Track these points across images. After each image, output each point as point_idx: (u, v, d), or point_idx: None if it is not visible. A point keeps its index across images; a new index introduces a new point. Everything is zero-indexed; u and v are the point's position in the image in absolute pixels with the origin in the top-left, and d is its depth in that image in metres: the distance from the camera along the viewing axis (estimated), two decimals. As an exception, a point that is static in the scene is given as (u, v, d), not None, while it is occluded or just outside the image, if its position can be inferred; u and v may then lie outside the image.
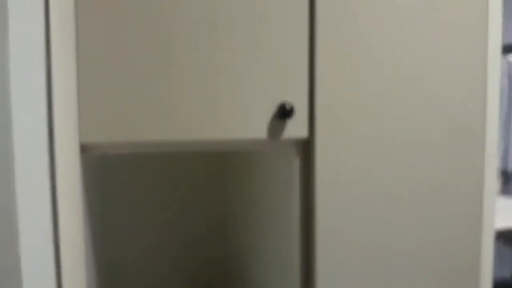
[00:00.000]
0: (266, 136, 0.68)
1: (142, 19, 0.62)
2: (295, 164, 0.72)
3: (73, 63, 0.59)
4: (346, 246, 0.72)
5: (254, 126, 0.67)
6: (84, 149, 0.63)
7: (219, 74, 0.65)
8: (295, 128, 0.69)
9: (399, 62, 0.72)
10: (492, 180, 0.80)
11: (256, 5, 0.66)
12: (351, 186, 0.72)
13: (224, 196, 1.24)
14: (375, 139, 0.72)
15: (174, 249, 1.24)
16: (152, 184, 1.20)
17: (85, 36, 0.60)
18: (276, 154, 0.79)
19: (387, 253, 0.75)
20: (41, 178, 0.54)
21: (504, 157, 4.34)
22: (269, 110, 0.68)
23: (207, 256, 1.25)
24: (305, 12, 0.68)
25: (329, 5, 0.68)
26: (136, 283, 1.17)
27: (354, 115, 0.71)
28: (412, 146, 0.74)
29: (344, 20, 0.69)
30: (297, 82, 0.68)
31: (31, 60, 0.52)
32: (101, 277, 0.87)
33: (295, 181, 0.73)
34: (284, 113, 0.67)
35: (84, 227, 0.66)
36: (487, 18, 0.76)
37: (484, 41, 0.75)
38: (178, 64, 0.63)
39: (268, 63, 0.67)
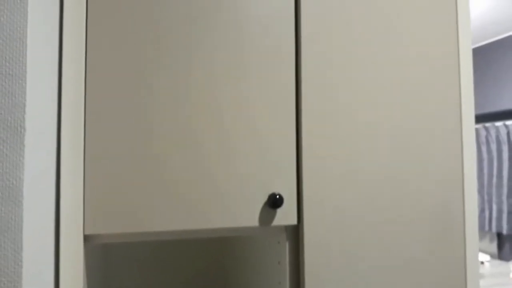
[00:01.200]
0: (258, 223, 0.73)
1: (138, 115, 0.69)
2: (286, 247, 0.77)
3: (80, 157, 0.65)
4: None
5: (248, 215, 0.72)
6: (88, 239, 0.67)
7: (218, 167, 0.71)
8: (285, 216, 0.74)
9: (380, 152, 0.79)
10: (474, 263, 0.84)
11: (250, 115, 0.73)
12: (339, 268, 0.76)
13: (223, 280, 1.27)
14: (361, 220, 0.77)
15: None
16: (153, 269, 1.22)
17: (91, 125, 0.66)
18: (269, 239, 0.84)
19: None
20: (47, 271, 0.58)
21: (498, 220, 4.36)
22: (261, 200, 0.73)
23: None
24: (292, 117, 0.76)
25: (313, 99, 0.76)
26: None
27: (340, 203, 0.77)
28: (395, 225, 0.79)
29: (329, 118, 0.77)
30: (286, 175, 0.74)
31: (42, 154, 0.58)
32: None
33: (286, 264, 0.77)
34: (274, 202, 0.72)
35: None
36: (460, 90, 0.83)
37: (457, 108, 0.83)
38: (176, 159, 0.69)
39: (260, 159, 0.73)
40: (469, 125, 0.85)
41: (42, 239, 0.57)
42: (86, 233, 0.65)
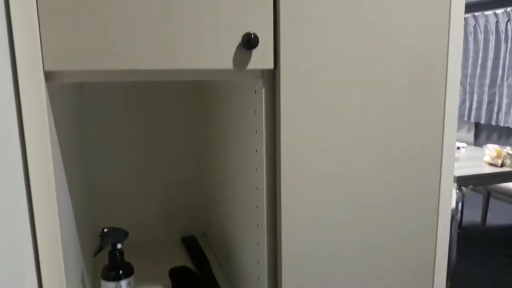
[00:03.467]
0: (233, 66, 0.69)
1: None
2: (262, 95, 0.74)
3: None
4: (309, 176, 0.76)
5: (222, 56, 0.68)
6: (50, 77, 0.63)
7: (185, 4, 0.65)
8: (261, 59, 0.71)
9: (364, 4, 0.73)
10: (452, 133, 0.84)
11: None
12: (314, 117, 0.74)
13: (199, 126, 1.26)
14: (339, 72, 0.74)
15: (148, 172, 1.26)
16: (130, 114, 1.20)
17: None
18: (246, 89, 0.81)
19: (348, 181, 0.79)
20: (7, 107, 0.55)
21: (478, 110, 4.44)
22: (235, 40, 0.68)
23: (181, 174, 1.28)
24: None
25: None
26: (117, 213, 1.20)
27: (318, 48, 0.73)
28: (376, 90, 0.77)
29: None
30: (262, 14, 0.69)
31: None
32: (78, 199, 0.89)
33: (263, 112, 0.75)
34: (249, 42, 0.68)
35: (56, 156, 0.68)
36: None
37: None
38: (141, -8, 0.63)
39: (232, -8, 0.67)
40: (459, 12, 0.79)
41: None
42: (46, 69, 0.60)
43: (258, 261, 0.83)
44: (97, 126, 1.18)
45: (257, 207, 0.81)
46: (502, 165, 2.81)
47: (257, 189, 0.80)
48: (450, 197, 0.87)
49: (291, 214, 0.76)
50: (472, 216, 3.88)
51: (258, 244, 0.82)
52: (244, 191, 0.89)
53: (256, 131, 0.78)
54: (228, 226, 1.04)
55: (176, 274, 1.04)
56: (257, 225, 0.82)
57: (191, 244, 1.25)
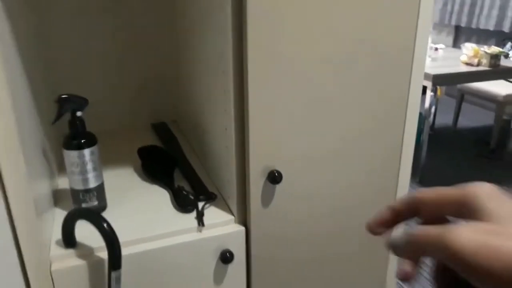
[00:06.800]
0: None
1: None
2: None
3: None
4: (277, 59, 0.71)
5: None
6: None
7: None
8: None
9: None
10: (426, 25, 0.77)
11: None
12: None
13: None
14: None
15: (119, 58, 1.19)
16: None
17: None
18: None
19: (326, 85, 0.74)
20: None
21: (459, 13, 4.34)
22: None
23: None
24: None
25: None
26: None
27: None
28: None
29: None
30: None
31: None
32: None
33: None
34: None
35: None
36: None
37: None
38: None
39: None
40: None
41: None
42: None
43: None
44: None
45: (224, 91, 0.77)
46: (478, 64, 2.81)
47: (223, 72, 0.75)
48: (419, 93, 0.84)
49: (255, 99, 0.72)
50: (445, 120, 3.96)
51: (225, 111, 0.79)
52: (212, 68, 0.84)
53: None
54: (198, 110, 1.01)
55: (145, 152, 1.03)
56: (225, 110, 0.78)
57: (161, 129, 1.22)
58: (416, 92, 0.84)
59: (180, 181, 0.95)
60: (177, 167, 1.00)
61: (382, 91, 0.81)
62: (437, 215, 0.31)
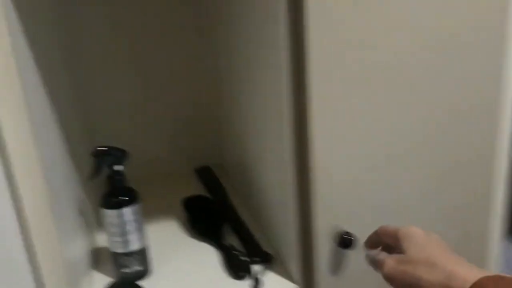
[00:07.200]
0: None
1: None
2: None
3: None
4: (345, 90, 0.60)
5: None
6: None
7: None
8: None
9: None
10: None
11: None
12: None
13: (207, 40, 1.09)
14: None
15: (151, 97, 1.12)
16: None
17: None
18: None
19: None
20: None
21: None
22: None
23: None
24: None
25: None
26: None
27: None
28: None
29: None
30: None
31: None
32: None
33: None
34: None
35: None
36: None
37: None
38: None
39: None
40: None
41: None
42: None
43: (284, 184, 0.69)
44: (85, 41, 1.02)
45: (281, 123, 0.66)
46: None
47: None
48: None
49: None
50: None
51: (282, 163, 0.68)
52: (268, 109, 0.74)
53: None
54: (248, 153, 0.90)
55: (191, 203, 0.92)
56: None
57: (206, 175, 1.12)
58: None
59: (229, 237, 0.84)
60: (227, 221, 0.88)
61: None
62: (387, 242, 0.52)
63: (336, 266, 0.67)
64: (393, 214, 0.68)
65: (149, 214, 0.92)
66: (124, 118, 1.09)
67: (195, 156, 1.18)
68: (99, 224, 0.88)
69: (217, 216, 0.89)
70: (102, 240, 0.85)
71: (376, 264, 0.49)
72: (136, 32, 1.04)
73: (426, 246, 0.45)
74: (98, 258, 0.80)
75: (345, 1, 0.56)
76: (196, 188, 1.06)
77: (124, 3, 1.01)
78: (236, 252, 0.77)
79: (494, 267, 0.76)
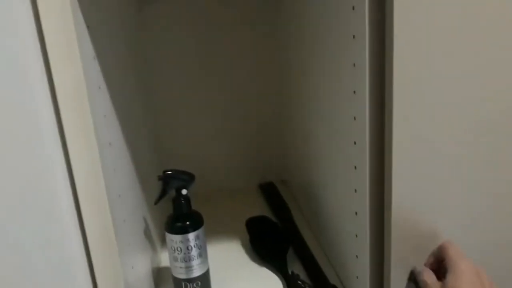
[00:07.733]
0: None
1: None
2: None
3: None
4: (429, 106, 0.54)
5: None
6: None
7: None
8: None
9: None
10: None
11: None
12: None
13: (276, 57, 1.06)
14: None
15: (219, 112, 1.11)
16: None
17: None
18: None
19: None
20: None
21: None
22: None
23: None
24: None
25: None
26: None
27: None
28: None
29: None
30: None
31: None
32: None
33: None
34: None
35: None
36: None
37: None
38: None
39: None
40: None
41: None
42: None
43: (356, 213, 0.65)
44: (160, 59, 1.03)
45: (355, 142, 0.61)
46: None
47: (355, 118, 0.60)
48: None
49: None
50: None
51: (356, 191, 0.64)
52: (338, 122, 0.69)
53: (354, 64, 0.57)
54: (316, 171, 0.86)
55: (254, 224, 0.90)
56: (355, 167, 0.63)
57: (269, 192, 1.09)
58: None
59: (293, 263, 0.80)
60: (291, 245, 0.85)
61: None
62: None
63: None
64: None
65: (210, 231, 0.91)
66: (191, 134, 1.09)
67: (259, 171, 1.16)
68: (163, 245, 0.88)
69: (281, 240, 0.85)
70: (164, 261, 0.85)
71: (420, 282, 0.57)
72: (209, 57, 1.04)
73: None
74: (159, 281, 0.80)
75: None
76: (259, 205, 1.04)
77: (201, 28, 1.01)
78: (300, 283, 0.73)
79: None
